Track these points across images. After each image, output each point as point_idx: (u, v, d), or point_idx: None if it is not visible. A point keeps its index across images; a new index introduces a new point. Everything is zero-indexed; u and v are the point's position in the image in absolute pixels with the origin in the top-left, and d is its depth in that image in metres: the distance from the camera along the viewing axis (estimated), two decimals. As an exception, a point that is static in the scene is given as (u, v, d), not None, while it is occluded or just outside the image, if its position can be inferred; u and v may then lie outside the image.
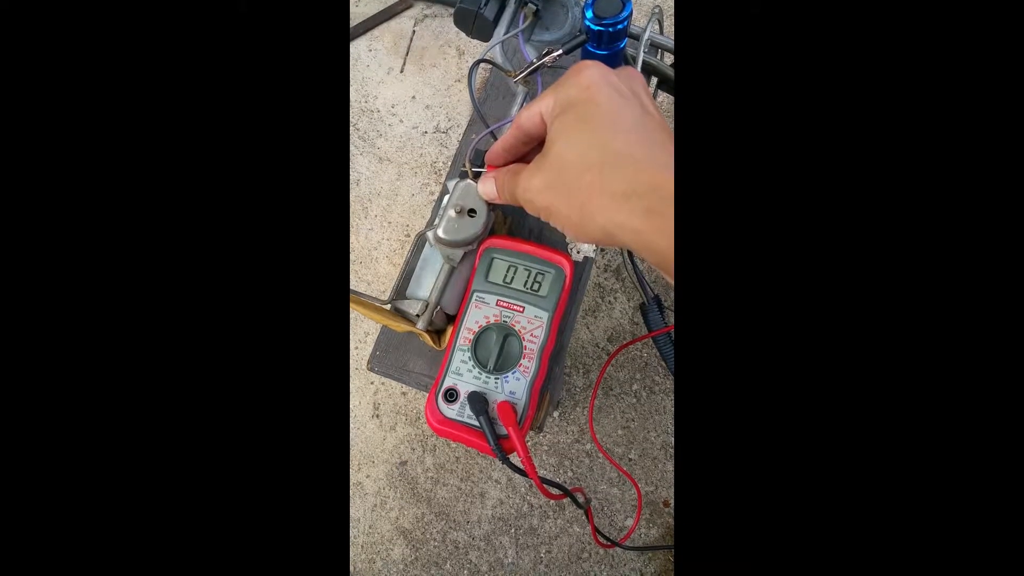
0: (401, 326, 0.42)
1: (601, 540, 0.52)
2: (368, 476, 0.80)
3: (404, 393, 0.83)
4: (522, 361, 0.39)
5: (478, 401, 0.38)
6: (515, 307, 0.40)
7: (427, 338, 0.42)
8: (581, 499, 0.43)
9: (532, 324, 0.40)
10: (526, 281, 0.41)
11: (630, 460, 0.76)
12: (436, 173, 0.94)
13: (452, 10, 1.08)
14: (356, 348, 0.86)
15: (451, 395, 0.39)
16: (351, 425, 0.83)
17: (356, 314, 0.88)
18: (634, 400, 0.77)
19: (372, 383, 0.84)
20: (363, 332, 0.87)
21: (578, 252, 0.47)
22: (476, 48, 1.00)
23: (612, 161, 0.25)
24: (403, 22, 1.06)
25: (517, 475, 0.77)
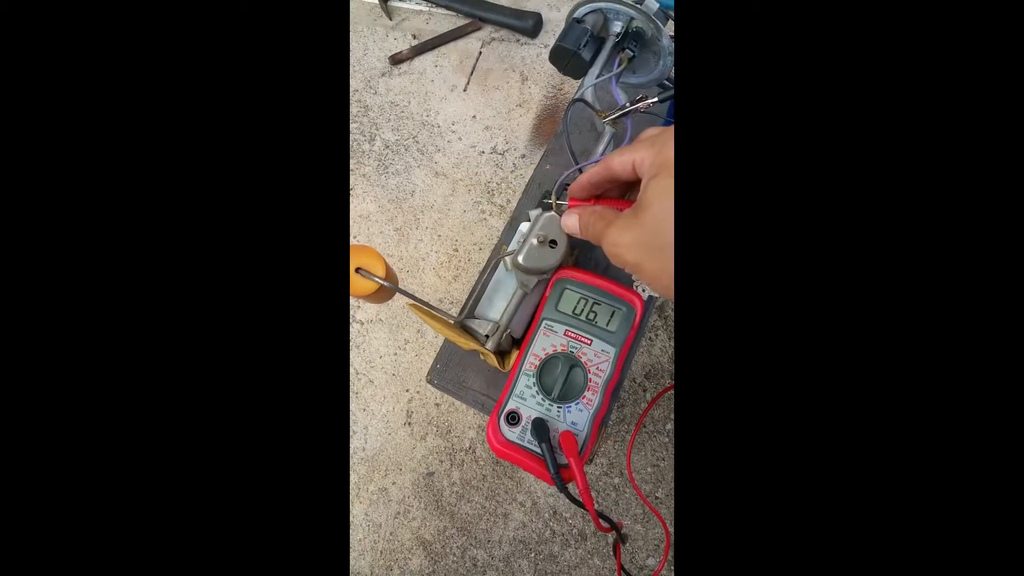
0: (468, 344, 0.43)
1: (627, 578, 0.52)
2: (394, 483, 0.81)
3: (438, 404, 0.84)
4: (586, 393, 0.40)
5: (541, 428, 0.38)
6: (583, 339, 0.41)
7: (492, 359, 0.43)
8: (624, 534, 0.44)
9: (599, 358, 0.41)
10: (596, 315, 0.42)
11: (657, 499, 0.75)
12: (489, 192, 0.96)
13: (519, 36, 1.10)
14: (395, 354, 0.87)
15: (513, 418, 0.40)
16: (382, 430, 0.84)
17: (396, 320, 0.89)
18: (666, 439, 0.77)
19: (407, 391, 0.85)
20: (403, 339, 0.89)
21: (643, 290, 0.48)
22: (539, 75, 1.02)
23: None
24: (471, 43, 1.09)
25: (542, 500, 0.77)
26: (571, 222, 0.37)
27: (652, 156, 0.30)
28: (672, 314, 0.81)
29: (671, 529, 0.73)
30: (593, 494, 0.76)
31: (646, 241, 0.29)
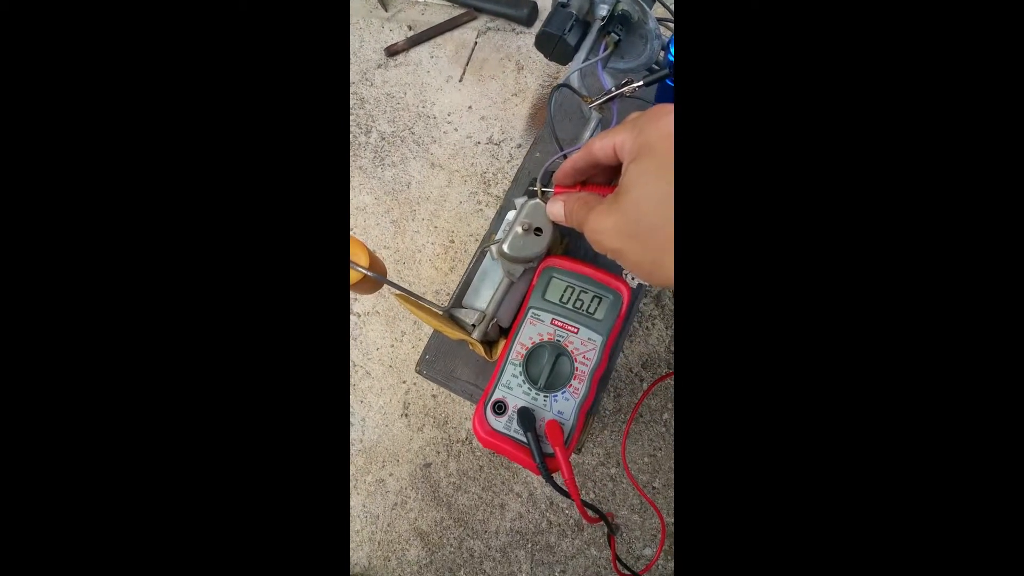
0: (456, 334, 0.43)
1: (620, 568, 0.51)
2: (391, 474, 0.81)
3: (435, 396, 0.84)
4: (572, 382, 0.40)
5: (527, 417, 0.38)
6: (570, 327, 0.41)
7: (479, 348, 0.43)
8: (614, 524, 0.44)
9: (585, 346, 0.40)
10: (583, 303, 0.42)
11: (654, 489, 0.75)
12: (485, 183, 0.95)
13: (514, 25, 1.09)
14: (392, 346, 0.87)
15: (499, 407, 0.39)
16: (380, 422, 0.84)
17: (393, 312, 0.89)
18: (663, 429, 0.77)
19: (404, 382, 0.85)
20: (399, 331, 0.89)
21: (632, 279, 0.47)
22: (535, 64, 1.01)
23: None
24: (466, 33, 1.08)
25: (538, 490, 0.77)
26: (556, 209, 0.36)
27: (631, 139, 0.29)
28: (668, 303, 0.80)
29: (667, 519, 0.73)
30: (590, 484, 0.76)
31: (626, 226, 0.28)
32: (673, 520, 0.74)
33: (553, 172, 0.40)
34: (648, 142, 0.28)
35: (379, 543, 0.79)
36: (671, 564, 0.72)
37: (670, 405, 0.77)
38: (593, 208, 0.31)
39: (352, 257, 0.37)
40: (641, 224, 0.27)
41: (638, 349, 0.80)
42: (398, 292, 0.41)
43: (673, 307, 0.81)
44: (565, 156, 0.41)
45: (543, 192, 0.40)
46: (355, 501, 0.81)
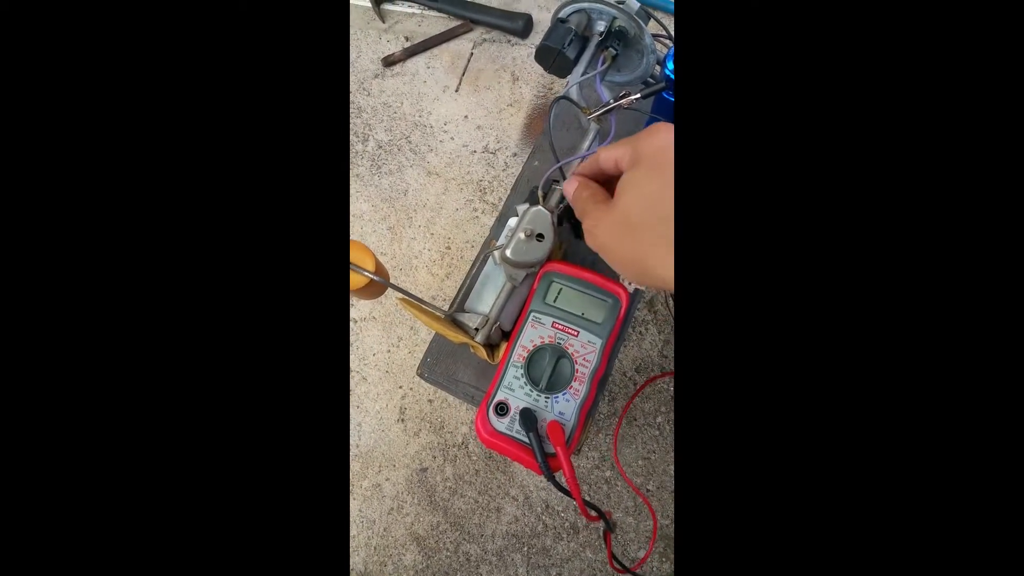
0: (458, 337, 0.44)
1: (615, 565, 0.53)
2: (388, 479, 0.82)
3: (431, 401, 0.84)
4: (573, 384, 0.41)
5: (529, 418, 0.39)
6: (570, 331, 0.42)
7: (482, 351, 0.44)
8: (612, 522, 0.45)
9: (585, 349, 0.42)
10: (583, 307, 0.43)
11: (648, 491, 0.76)
12: (481, 191, 0.96)
13: (510, 36, 1.11)
14: (388, 351, 0.88)
15: (502, 409, 0.41)
16: (376, 427, 0.84)
17: (390, 318, 0.90)
18: (657, 432, 0.78)
19: (400, 387, 0.86)
20: (396, 337, 0.89)
21: (629, 284, 0.49)
22: (530, 75, 1.03)
23: (671, 216, 0.28)
24: (462, 44, 1.10)
25: (534, 494, 0.78)
26: (569, 188, 0.37)
27: (629, 153, 0.32)
28: (661, 308, 0.82)
29: (660, 520, 0.74)
30: (585, 488, 0.77)
31: (617, 230, 0.31)
32: (668, 522, 0.75)
33: (555, 180, 0.42)
34: (641, 154, 0.30)
35: (375, 548, 0.80)
36: (666, 566, 0.73)
37: (663, 408, 0.79)
38: (596, 205, 0.33)
39: (359, 262, 0.38)
40: (629, 227, 0.30)
41: (632, 353, 0.81)
42: (402, 296, 0.42)
43: (665, 313, 0.82)
44: (562, 167, 0.42)
45: (544, 198, 0.41)
46: (351, 506, 0.81)
